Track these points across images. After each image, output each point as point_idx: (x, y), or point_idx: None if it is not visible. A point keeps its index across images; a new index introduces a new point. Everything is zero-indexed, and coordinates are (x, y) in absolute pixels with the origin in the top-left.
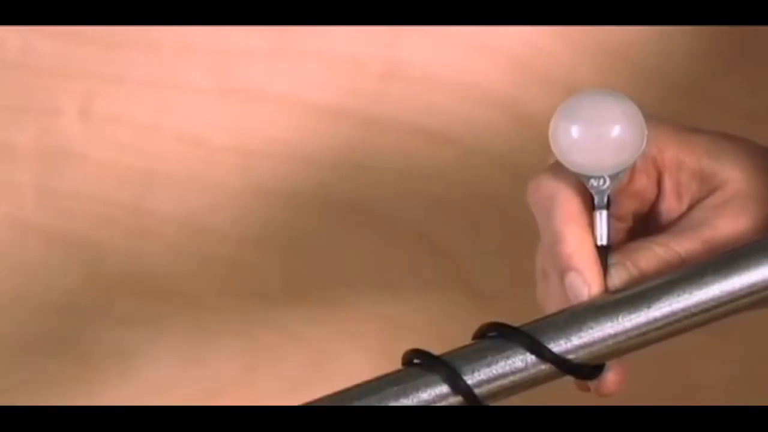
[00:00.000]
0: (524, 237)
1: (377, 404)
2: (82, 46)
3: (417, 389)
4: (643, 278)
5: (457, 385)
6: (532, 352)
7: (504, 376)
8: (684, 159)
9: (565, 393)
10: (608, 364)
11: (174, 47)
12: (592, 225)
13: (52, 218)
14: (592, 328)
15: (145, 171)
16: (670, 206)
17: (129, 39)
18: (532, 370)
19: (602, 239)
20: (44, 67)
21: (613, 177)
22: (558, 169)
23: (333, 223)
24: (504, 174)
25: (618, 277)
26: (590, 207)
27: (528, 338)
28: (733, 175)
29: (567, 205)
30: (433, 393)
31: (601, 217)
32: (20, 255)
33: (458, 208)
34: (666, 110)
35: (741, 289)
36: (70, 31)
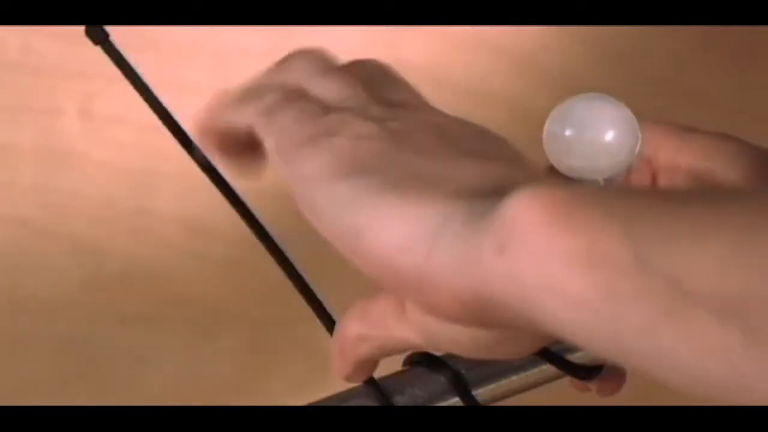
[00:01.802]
0: None
1: (379, 404)
2: (82, 46)
3: (418, 389)
4: None
5: (458, 385)
6: None
7: (503, 376)
8: (679, 160)
9: (565, 393)
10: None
11: (174, 47)
12: None
13: (52, 218)
14: None
15: (146, 171)
16: None
17: (129, 39)
18: (532, 371)
19: None
20: (44, 67)
21: (607, 181)
22: (554, 171)
23: None
24: None
25: None
26: None
27: None
28: (728, 176)
29: None
30: (434, 393)
31: None
32: (20, 255)
33: None
34: (663, 110)
35: None
36: (70, 31)
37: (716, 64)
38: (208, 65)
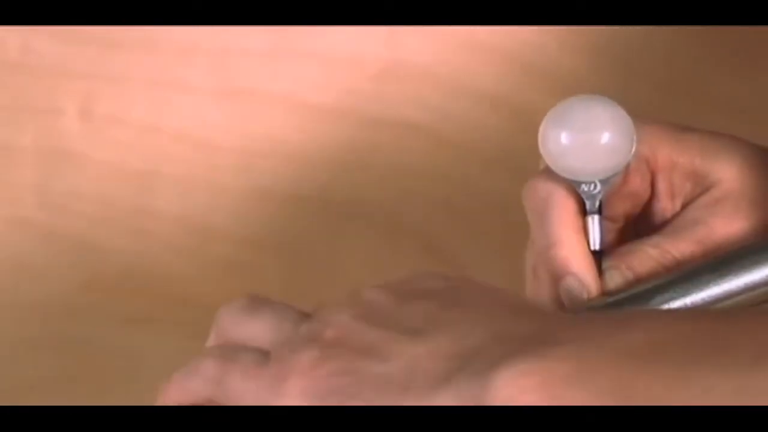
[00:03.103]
0: (524, 237)
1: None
2: (82, 46)
3: None
4: (638, 281)
5: None
6: None
7: None
8: (677, 159)
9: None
10: None
11: (174, 47)
12: (585, 229)
13: (52, 218)
14: None
15: (145, 171)
16: (663, 206)
17: (129, 39)
18: None
19: (595, 244)
20: (44, 67)
21: (604, 182)
22: (553, 172)
23: (333, 223)
24: (504, 174)
25: (613, 280)
26: (584, 211)
27: None
28: (726, 174)
29: (562, 208)
30: None
31: (594, 222)
32: (19, 255)
33: (458, 208)
34: (664, 110)
35: (738, 290)
36: (70, 31)
37: (717, 64)
38: (208, 65)
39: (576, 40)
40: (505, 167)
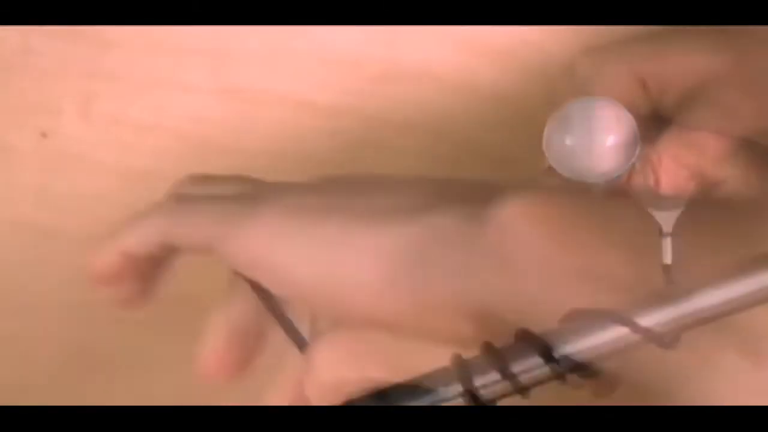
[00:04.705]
0: None
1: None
2: (82, 46)
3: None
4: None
5: (467, 384)
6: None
7: (509, 376)
8: (682, 159)
9: (565, 393)
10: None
11: (174, 47)
12: None
13: (52, 219)
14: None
15: (146, 171)
16: None
17: (129, 39)
18: (538, 370)
19: None
20: (44, 67)
21: (609, 183)
22: (556, 172)
23: None
24: (504, 174)
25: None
26: None
27: (532, 337)
28: (731, 173)
29: None
30: (446, 393)
31: None
32: (19, 255)
33: None
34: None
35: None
36: (70, 31)
37: None
38: (208, 65)
39: (578, 40)
40: (505, 168)
